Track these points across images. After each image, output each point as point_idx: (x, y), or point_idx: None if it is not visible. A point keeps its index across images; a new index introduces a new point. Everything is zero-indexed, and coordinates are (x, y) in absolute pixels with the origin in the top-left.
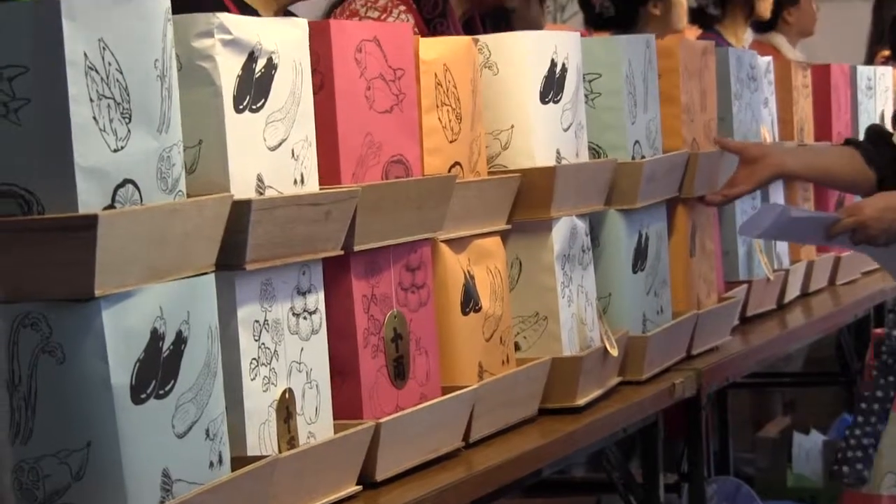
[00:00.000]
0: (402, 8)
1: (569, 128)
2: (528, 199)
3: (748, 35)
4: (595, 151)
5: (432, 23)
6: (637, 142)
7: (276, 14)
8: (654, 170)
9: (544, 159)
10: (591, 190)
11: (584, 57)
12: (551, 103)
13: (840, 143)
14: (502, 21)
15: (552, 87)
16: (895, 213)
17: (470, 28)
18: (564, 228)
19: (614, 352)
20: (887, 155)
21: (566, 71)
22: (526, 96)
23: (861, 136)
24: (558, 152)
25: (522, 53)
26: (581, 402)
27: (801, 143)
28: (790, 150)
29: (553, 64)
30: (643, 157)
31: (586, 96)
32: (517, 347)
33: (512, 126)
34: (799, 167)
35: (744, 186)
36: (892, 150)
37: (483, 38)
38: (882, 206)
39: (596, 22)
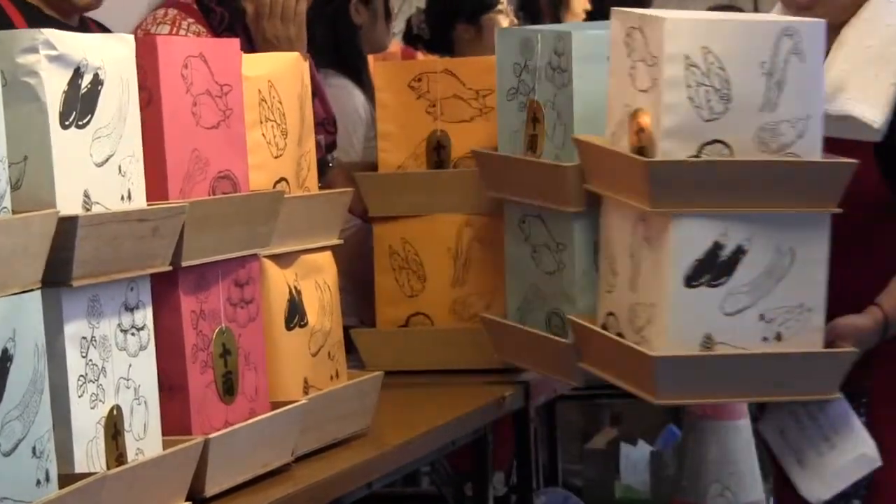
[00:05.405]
0: (191, 20)
1: None
2: (811, 192)
3: None
4: None
5: (223, 35)
6: None
7: (72, 20)
8: None
9: None
10: None
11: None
12: None
13: None
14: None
15: None
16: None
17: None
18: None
19: None
20: None
21: None
22: None
23: None
24: None
25: None
26: None
27: None
28: None
29: None
30: None
31: None
32: (779, 338)
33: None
34: None
35: None
36: None
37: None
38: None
39: (414, 41)
